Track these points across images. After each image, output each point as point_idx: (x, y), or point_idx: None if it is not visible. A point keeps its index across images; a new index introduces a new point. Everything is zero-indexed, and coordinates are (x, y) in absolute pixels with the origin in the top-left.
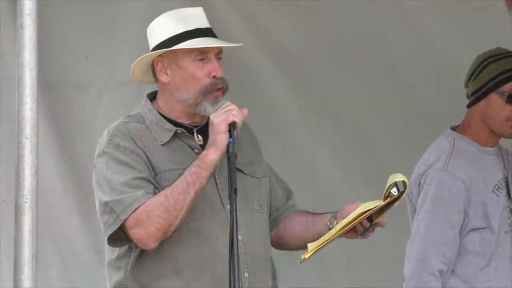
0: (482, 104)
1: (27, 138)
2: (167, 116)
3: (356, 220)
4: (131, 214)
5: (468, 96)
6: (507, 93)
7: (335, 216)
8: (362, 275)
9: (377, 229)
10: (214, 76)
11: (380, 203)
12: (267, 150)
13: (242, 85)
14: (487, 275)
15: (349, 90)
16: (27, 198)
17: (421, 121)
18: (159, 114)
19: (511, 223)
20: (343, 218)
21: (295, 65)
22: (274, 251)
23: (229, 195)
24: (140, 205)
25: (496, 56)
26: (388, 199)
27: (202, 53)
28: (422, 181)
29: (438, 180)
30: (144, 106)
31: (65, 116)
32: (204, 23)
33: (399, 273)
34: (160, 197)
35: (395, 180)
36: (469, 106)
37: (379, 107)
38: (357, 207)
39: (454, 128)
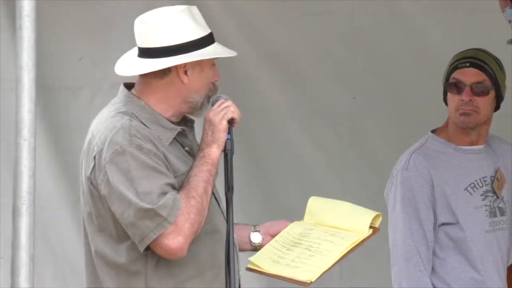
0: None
1: (24, 140)
2: (158, 113)
3: (344, 255)
4: (177, 216)
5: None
6: (448, 84)
7: (257, 230)
8: (356, 276)
9: None
10: (215, 81)
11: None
12: (261, 152)
13: (236, 87)
14: (466, 272)
15: (344, 92)
16: (24, 200)
17: (416, 123)
18: (154, 112)
19: (492, 222)
20: (271, 235)
21: (289, 67)
22: None
23: (226, 193)
24: (180, 207)
25: (457, 53)
26: (370, 233)
27: (213, 59)
28: (390, 183)
29: (401, 180)
30: (130, 102)
31: (58, 117)
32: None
33: None
34: (189, 199)
35: (371, 214)
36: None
37: (374, 110)
38: (286, 226)
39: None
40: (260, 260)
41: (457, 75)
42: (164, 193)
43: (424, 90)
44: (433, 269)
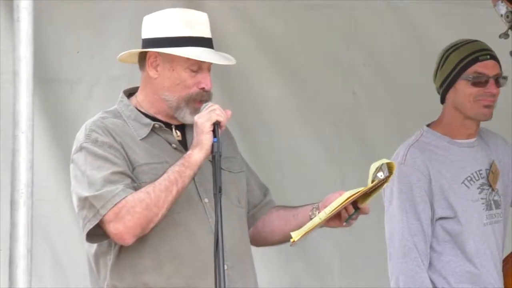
0: (451, 94)
1: (22, 132)
2: (145, 111)
3: (341, 205)
4: (111, 208)
5: (438, 91)
6: (471, 76)
7: (317, 206)
8: (355, 275)
9: (370, 228)
10: (203, 88)
11: (365, 188)
12: (261, 148)
13: (236, 84)
14: (462, 266)
15: (344, 87)
16: (22, 193)
17: (415, 118)
18: (136, 110)
19: (489, 215)
20: (325, 207)
21: (289, 63)
22: (268, 252)
23: (214, 194)
24: (121, 200)
25: (456, 45)
26: (374, 183)
27: (198, 63)
28: None
29: (398, 174)
30: (120, 102)
31: (56, 110)
32: (207, 33)
33: None
34: (141, 193)
35: (381, 163)
36: (442, 101)
37: (374, 105)
38: (340, 196)
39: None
40: (296, 232)
41: (479, 67)
42: (111, 182)
43: (423, 85)
44: (429, 262)
